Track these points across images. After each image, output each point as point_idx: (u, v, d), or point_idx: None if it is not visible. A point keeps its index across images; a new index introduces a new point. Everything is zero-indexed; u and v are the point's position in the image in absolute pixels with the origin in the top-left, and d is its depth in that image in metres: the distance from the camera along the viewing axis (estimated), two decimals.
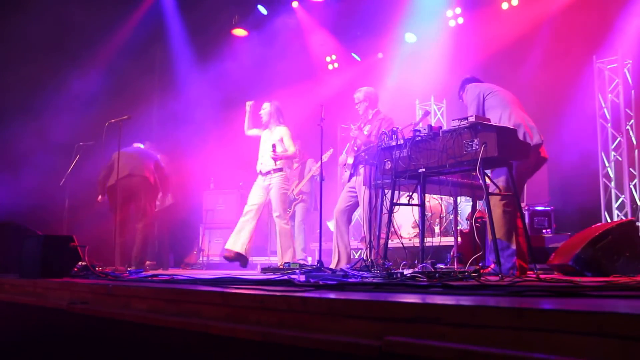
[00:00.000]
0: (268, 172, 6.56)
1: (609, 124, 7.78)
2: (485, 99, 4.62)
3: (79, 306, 3.20)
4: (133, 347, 2.84)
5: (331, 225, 10.47)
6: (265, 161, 6.60)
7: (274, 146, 6.42)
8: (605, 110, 7.83)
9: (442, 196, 6.54)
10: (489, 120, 4.16)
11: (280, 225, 6.52)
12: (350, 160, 5.89)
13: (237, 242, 6.42)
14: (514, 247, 4.28)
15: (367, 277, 3.66)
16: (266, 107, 6.77)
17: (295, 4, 10.32)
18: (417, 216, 4.74)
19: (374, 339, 1.73)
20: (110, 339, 2.99)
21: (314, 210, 8.77)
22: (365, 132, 5.87)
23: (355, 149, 5.97)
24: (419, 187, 4.37)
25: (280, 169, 6.56)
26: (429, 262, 3.97)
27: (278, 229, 6.56)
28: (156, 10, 10.17)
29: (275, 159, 6.45)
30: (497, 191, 4.22)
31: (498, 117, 4.44)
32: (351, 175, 5.90)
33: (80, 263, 4.75)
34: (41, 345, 3.60)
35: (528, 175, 4.82)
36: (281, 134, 6.63)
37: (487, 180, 4.07)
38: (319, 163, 7.64)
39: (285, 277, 3.66)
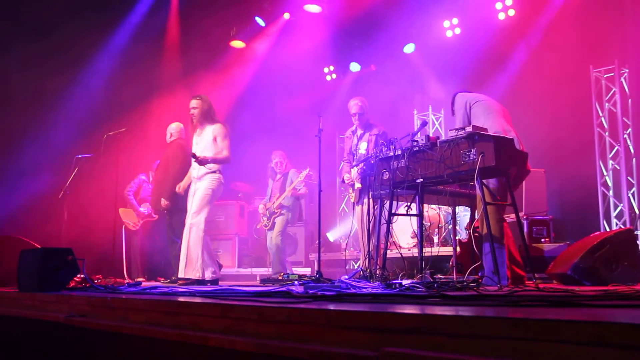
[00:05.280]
0: (200, 177, 5.98)
1: (607, 133, 7.79)
2: (471, 107, 4.65)
3: (77, 319, 3.18)
4: None
5: (330, 236, 10.49)
6: (197, 165, 5.96)
7: (193, 155, 5.79)
8: (603, 119, 7.85)
9: (440, 206, 6.54)
10: (486, 130, 4.17)
11: (196, 232, 5.87)
12: (358, 185, 5.94)
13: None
14: (505, 255, 4.27)
15: (365, 288, 3.65)
16: (197, 105, 6.09)
17: (286, 15, 10.34)
18: (415, 226, 4.75)
19: (371, 350, 1.72)
20: (108, 352, 2.98)
21: (295, 224, 8.73)
22: (363, 152, 5.93)
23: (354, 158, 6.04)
24: (417, 197, 4.37)
25: (214, 171, 5.95)
26: (428, 272, 3.96)
27: (191, 236, 5.86)
28: (154, 22, 10.20)
29: (200, 163, 5.81)
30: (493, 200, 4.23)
31: (481, 125, 4.45)
32: (361, 197, 5.96)
33: (78, 276, 4.73)
34: (39, 358, 3.58)
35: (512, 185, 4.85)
36: (214, 134, 5.99)
37: (485, 190, 4.07)
38: (303, 175, 7.62)
39: (284, 288, 3.65)
